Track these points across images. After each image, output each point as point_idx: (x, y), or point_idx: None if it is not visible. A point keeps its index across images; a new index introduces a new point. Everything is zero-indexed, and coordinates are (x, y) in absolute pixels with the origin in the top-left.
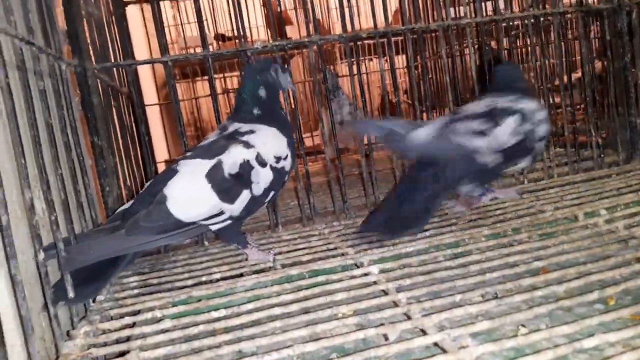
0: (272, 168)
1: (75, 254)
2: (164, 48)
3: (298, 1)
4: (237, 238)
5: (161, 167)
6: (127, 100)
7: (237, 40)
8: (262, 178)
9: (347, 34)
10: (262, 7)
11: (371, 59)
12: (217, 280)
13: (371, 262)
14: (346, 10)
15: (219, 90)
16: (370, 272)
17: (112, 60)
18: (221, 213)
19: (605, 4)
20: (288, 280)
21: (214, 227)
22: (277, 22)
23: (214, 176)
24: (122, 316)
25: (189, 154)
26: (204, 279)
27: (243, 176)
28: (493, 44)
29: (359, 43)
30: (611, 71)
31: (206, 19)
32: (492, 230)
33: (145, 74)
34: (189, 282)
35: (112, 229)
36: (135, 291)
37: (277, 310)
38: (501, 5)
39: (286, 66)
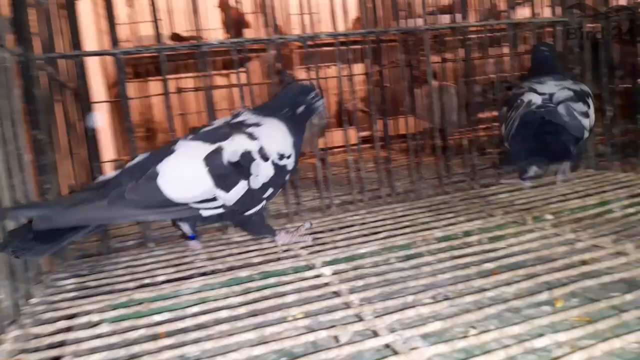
0: (274, 164)
1: (52, 215)
2: (115, 40)
3: (258, 5)
4: (264, 230)
5: (107, 167)
6: (74, 96)
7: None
8: (262, 171)
9: (306, 34)
10: (219, 9)
11: (329, 66)
12: (161, 282)
13: (324, 264)
14: (305, 12)
15: (172, 89)
16: (323, 273)
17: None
18: (214, 199)
19: (557, 17)
20: (237, 282)
21: (205, 213)
22: (235, 22)
23: (212, 161)
24: (56, 320)
25: (190, 136)
26: (147, 281)
27: (242, 166)
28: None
29: (317, 49)
30: None
31: (161, 19)
32: (444, 232)
33: (95, 70)
34: (131, 284)
35: (95, 198)
36: (72, 294)
37: (224, 313)
38: (458, 17)
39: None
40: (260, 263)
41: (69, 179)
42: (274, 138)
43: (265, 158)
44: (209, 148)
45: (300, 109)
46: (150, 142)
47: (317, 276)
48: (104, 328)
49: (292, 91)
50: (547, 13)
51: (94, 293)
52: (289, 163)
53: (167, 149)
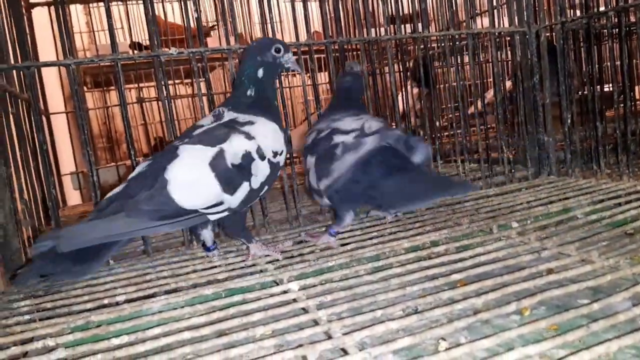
0: (270, 162)
1: (73, 236)
2: (68, 50)
3: (219, 14)
4: (244, 232)
5: (66, 179)
6: (29, 108)
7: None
8: (260, 171)
9: None
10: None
11: (294, 75)
12: (122, 302)
13: (291, 279)
14: (268, 21)
15: (133, 99)
16: (290, 289)
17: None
18: (220, 203)
19: (516, 27)
20: (202, 300)
21: (212, 217)
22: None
23: (217, 165)
24: (8, 346)
25: (186, 139)
26: (106, 301)
27: (244, 168)
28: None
29: None
30: (521, 91)
31: (122, 27)
32: (412, 242)
33: (52, 81)
34: (89, 305)
35: (111, 212)
36: (26, 317)
37: (186, 335)
38: (419, 27)
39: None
40: (225, 279)
41: (23, 194)
42: (270, 136)
43: (262, 157)
44: (211, 151)
45: (260, 72)
46: (113, 153)
47: (285, 292)
48: (59, 353)
49: (250, 52)
50: (506, 23)
51: (50, 315)
52: (281, 160)
53: (169, 155)
